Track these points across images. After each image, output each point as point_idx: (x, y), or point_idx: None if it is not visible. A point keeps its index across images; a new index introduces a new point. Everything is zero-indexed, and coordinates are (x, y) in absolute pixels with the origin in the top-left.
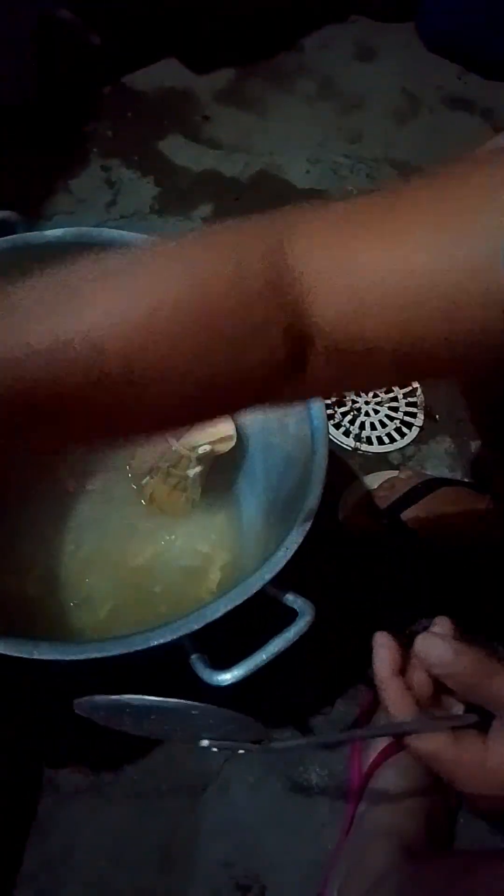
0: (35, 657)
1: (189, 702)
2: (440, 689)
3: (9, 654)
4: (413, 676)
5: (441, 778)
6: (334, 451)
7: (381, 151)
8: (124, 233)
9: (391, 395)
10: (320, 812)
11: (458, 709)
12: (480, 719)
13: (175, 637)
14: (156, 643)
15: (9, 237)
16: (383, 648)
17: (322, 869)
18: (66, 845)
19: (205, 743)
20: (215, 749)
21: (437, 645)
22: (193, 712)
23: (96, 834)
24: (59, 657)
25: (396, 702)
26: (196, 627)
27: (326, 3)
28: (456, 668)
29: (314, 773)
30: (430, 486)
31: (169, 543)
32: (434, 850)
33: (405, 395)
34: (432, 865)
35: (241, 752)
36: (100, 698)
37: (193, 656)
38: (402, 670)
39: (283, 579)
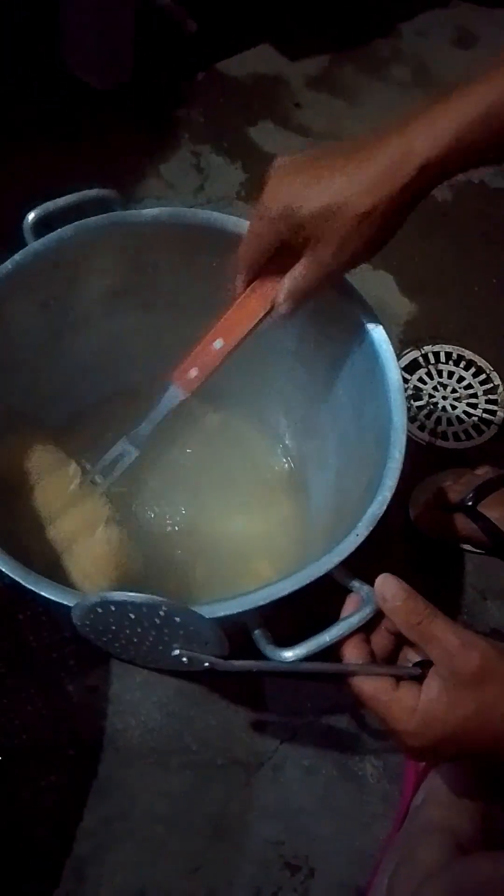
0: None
1: (159, 598)
2: (401, 646)
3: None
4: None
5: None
6: (407, 444)
7: None
8: (219, 214)
9: (471, 391)
10: (373, 802)
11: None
12: (421, 673)
13: (242, 610)
14: (222, 614)
15: (107, 214)
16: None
17: (372, 859)
18: (124, 806)
19: (176, 652)
20: (185, 659)
21: (392, 583)
22: (163, 608)
23: (154, 798)
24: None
25: (351, 647)
26: (262, 602)
27: None
28: (406, 605)
29: (369, 763)
30: None
31: (236, 521)
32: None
33: (485, 392)
34: (486, 864)
35: (206, 664)
36: (89, 596)
37: (256, 632)
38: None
39: (350, 566)
